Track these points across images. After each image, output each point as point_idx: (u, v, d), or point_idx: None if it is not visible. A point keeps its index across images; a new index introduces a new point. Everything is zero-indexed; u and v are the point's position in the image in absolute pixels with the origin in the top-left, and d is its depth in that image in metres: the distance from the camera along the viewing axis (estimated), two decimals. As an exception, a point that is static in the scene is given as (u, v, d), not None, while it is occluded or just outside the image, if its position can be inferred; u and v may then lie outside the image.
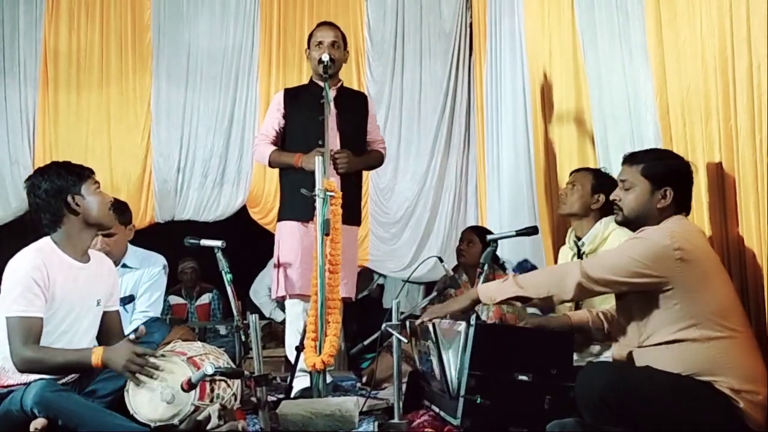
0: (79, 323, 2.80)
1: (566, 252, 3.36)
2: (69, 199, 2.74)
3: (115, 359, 2.54)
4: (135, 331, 2.61)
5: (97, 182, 2.84)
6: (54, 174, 2.76)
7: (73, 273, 2.77)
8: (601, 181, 3.26)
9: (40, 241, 2.78)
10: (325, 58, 3.53)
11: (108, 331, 2.93)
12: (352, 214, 3.73)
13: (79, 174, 2.79)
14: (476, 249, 4.17)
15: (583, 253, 3.20)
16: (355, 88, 5.28)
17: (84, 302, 2.81)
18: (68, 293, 2.73)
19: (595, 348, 3.08)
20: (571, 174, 3.37)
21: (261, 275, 5.96)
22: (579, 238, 3.25)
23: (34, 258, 2.68)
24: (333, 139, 3.63)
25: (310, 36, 3.81)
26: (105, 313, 2.92)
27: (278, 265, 3.68)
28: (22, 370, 2.61)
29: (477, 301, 2.59)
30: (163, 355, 2.57)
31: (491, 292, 2.55)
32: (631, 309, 2.38)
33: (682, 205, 2.41)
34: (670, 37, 2.93)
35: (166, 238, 4.58)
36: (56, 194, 2.73)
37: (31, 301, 2.62)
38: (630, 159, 2.49)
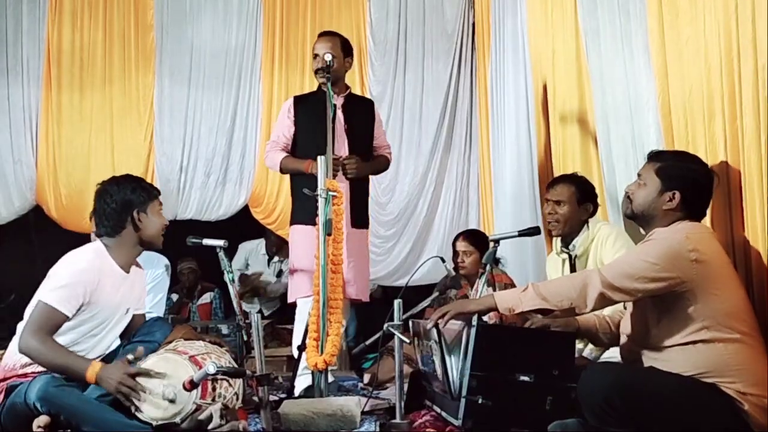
0: (108, 330, 2.86)
1: (555, 260, 3.33)
2: (135, 213, 2.84)
3: (107, 380, 2.55)
4: (132, 351, 2.63)
5: (161, 204, 2.95)
6: (128, 187, 2.86)
7: (118, 282, 2.84)
8: (583, 188, 3.24)
9: (96, 244, 2.86)
10: (316, 66, 3.69)
11: (129, 331, 2.98)
12: (361, 218, 3.80)
13: (149, 193, 2.91)
14: (474, 257, 4.15)
15: (575, 256, 3.19)
16: (358, 88, 5.33)
17: (119, 310, 2.87)
18: (110, 301, 2.80)
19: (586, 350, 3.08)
20: (550, 188, 3.29)
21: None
22: (566, 244, 3.24)
23: (93, 260, 2.76)
24: (341, 145, 3.71)
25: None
26: (132, 316, 2.99)
27: (294, 270, 3.72)
28: (20, 352, 2.63)
29: (494, 309, 2.49)
30: (158, 372, 2.57)
31: (510, 302, 2.43)
32: (645, 311, 2.36)
33: (692, 211, 2.38)
34: (673, 37, 2.91)
35: (168, 237, 4.56)
36: (125, 206, 2.83)
37: (67, 299, 2.66)
38: (652, 156, 2.49)
